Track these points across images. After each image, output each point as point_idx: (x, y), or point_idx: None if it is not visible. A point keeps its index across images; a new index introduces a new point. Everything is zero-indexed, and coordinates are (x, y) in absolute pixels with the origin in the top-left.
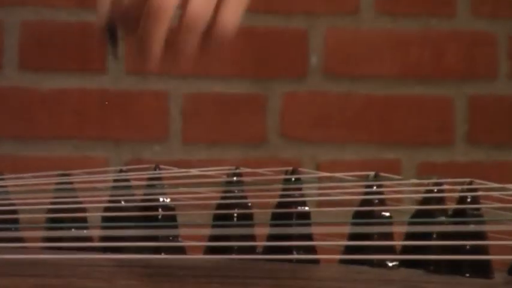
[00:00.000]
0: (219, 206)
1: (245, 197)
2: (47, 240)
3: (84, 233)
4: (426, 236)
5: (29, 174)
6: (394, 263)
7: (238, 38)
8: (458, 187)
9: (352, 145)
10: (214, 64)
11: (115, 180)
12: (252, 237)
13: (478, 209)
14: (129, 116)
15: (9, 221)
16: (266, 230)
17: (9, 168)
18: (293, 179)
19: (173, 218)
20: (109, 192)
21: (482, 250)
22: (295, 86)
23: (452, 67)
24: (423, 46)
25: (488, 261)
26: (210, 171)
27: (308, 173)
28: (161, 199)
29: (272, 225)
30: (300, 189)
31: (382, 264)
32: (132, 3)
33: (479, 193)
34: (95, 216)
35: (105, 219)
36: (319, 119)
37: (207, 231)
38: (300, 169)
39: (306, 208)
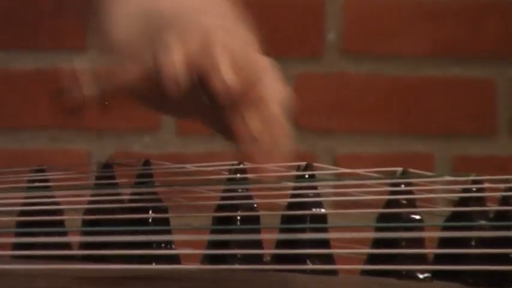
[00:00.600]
0: (220, 208)
1: (250, 197)
2: (17, 247)
3: (62, 239)
4: (463, 242)
5: None
6: (425, 275)
7: (242, 10)
8: (501, 185)
9: (375, 136)
10: None
11: (98, 177)
12: (258, 244)
13: None
14: (114, 102)
15: None
16: (275, 236)
17: None
18: (306, 176)
19: (166, 222)
20: (91, 192)
21: None
22: (309, 66)
23: (492, 44)
24: (459, 19)
25: None
26: (209, 166)
27: (324, 168)
28: (151, 199)
29: (282, 230)
30: (314, 187)
31: (411, 275)
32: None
33: None
34: (74, 219)
35: (86, 222)
36: (336, 105)
37: (206, 237)
38: (315, 164)
39: (322, 210)
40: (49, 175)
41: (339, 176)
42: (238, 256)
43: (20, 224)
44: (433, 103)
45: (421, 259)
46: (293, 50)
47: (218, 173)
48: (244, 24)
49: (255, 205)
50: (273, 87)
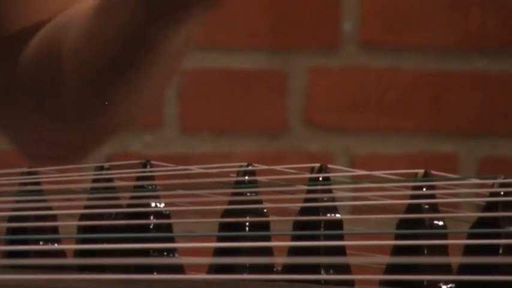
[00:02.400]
0: (227, 213)
1: (259, 202)
2: (7, 256)
3: (56, 246)
4: (491, 250)
5: None
6: (449, 286)
7: None
8: None
9: (395, 135)
10: (222, 31)
11: (94, 180)
12: (268, 252)
13: None
14: None
15: None
16: (286, 243)
17: None
18: (321, 179)
19: (168, 228)
20: (87, 196)
21: None
22: (324, 59)
23: None
24: (487, 8)
25: None
26: (215, 168)
27: (340, 170)
28: (153, 204)
29: (294, 237)
30: (329, 191)
31: (434, 286)
32: None
33: None
34: (68, 225)
35: (82, 229)
36: (353, 101)
37: (212, 245)
38: (330, 166)
39: (338, 215)
40: (41, 178)
41: (356, 179)
42: (247, 265)
43: (11, 231)
44: (459, 99)
45: (444, 269)
46: (306, 41)
47: (225, 175)
48: None
49: (265, 210)
50: None
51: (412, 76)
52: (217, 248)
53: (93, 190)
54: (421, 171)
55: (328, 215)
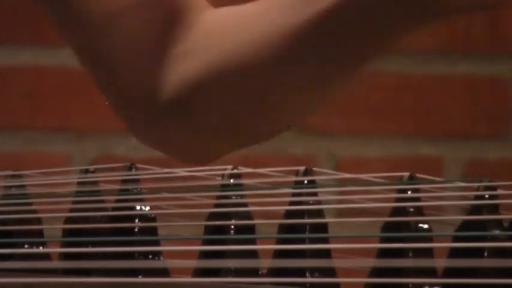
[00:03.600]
0: (212, 216)
1: (245, 205)
2: None
3: (40, 250)
4: (476, 253)
5: None
6: None
7: None
8: None
9: (380, 138)
10: None
11: (79, 183)
12: (253, 255)
13: None
14: (96, 100)
15: None
16: (272, 246)
17: None
18: (306, 182)
19: (153, 231)
20: (71, 199)
21: None
22: None
23: (508, 39)
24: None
25: None
26: (200, 171)
27: (325, 173)
28: (138, 207)
29: (279, 240)
30: (314, 194)
31: None
32: None
33: None
34: (53, 228)
35: (67, 232)
36: (338, 104)
37: (197, 248)
38: (315, 169)
39: (323, 218)
40: (26, 181)
41: (341, 182)
42: (232, 268)
43: None
44: (443, 102)
45: (429, 272)
46: None
47: (211, 178)
48: None
49: (250, 213)
50: None
51: (395, 79)
52: (202, 251)
53: (79, 193)
54: (406, 174)
55: (314, 218)
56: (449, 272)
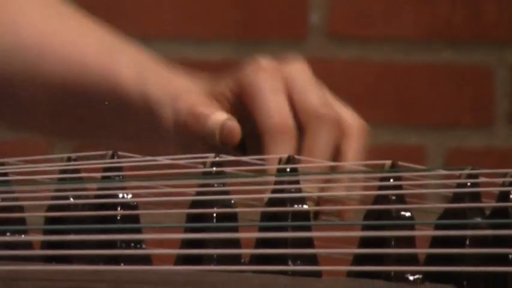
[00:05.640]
0: (194, 204)
1: (227, 193)
2: None
3: (22, 238)
4: (458, 242)
5: None
6: (416, 276)
7: None
8: (499, 180)
9: None
10: (189, 22)
11: (61, 171)
12: (235, 243)
13: None
14: None
15: None
16: (254, 234)
17: None
18: (288, 169)
19: (135, 219)
20: (53, 187)
21: None
22: (291, 50)
23: (491, 27)
24: (454, 0)
25: None
26: (182, 159)
27: (307, 161)
28: (120, 195)
29: (261, 229)
30: (297, 182)
31: (401, 277)
32: None
33: None
34: (35, 216)
35: (49, 220)
36: None
37: (179, 236)
38: (297, 157)
39: (305, 206)
40: (8, 168)
41: (323, 170)
42: (214, 256)
43: None
44: (426, 91)
45: (411, 260)
46: (273, 32)
47: (192, 166)
48: None
49: (233, 201)
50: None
51: (378, 68)
52: (184, 239)
53: (60, 181)
54: (388, 162)
55: (296, 206)
56: (431, 260)
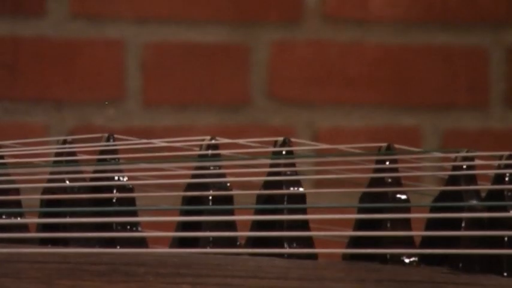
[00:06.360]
0: (190, 187)
1: (223, 175)
2: None
3: (18, 220)
4: (453, 224)
5: None
6: (412, 259)
7: None
8: (495, 162)
9: (358, 108)
10: (183, 4)
11: (57, 154)
12: (231, 226)
13: None
14: (75, 70)
15: None
16: (250, 217)
17: None
18: (284, 152)
19: (131, 202)
20: (49, 169)
21: None
22: (287, 32)
23: (486, 8)
24: None
25: None
26: (178, 142)
27: (303, 144)
28: (116, 177)
29: (257, 211)
30: (292, 165)
31: (397, 260)
32: None
33: None
34: (31, 199)
35: (45, 203)
36: (317, 75)
37: (175, 218)
38: (293, 139)
39: (301, 189)
40: (4, 151)
41: (319, 153)
42: (210, 239)
43: None
44: (422, 73)
45: (407, 242)
46: (268, 14)
47: (188, 149)
48: None
49: (228, 184)
50: None
51: (374, 50)
52: (180, 222)
53: (56, 164)
54: (384, 144)
55: (292, 188)
56: (426, 243)
